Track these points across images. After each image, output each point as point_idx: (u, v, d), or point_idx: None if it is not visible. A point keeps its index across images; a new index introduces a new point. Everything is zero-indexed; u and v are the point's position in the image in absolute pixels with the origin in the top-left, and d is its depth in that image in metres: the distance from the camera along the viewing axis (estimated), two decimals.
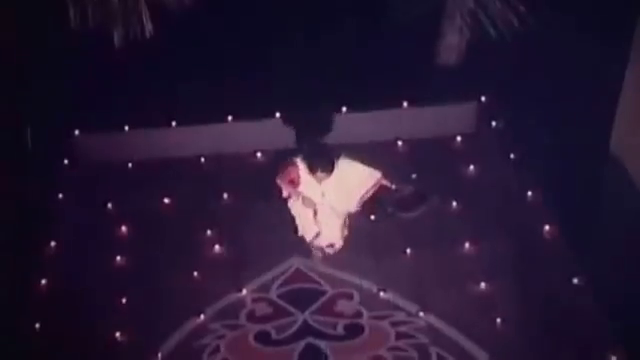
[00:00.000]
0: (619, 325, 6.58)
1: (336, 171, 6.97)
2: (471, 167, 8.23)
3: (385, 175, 7.11)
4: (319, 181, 6.99)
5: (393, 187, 7.23)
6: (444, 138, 8.54)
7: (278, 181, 7.08)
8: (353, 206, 7.17)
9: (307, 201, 7.09)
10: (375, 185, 7.10)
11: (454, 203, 7.82)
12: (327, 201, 7.10)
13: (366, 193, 7.13)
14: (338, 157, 7.02)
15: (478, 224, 7.63)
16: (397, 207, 7.56)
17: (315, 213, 7.13)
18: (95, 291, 7.12)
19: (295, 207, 7.21)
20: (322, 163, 6.92)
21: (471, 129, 8.60)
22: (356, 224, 7.39)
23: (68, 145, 8.35)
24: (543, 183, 7.81)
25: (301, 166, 7.03)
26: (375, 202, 7.31)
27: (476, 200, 7.86)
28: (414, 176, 8.05)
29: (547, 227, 7.46)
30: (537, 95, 8.31)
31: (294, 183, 7.05)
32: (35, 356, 6.64)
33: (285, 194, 7.16)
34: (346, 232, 7.34)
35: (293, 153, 7.13)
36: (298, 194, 7.09)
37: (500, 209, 7.74)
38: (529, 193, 7.81)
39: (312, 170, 6.96)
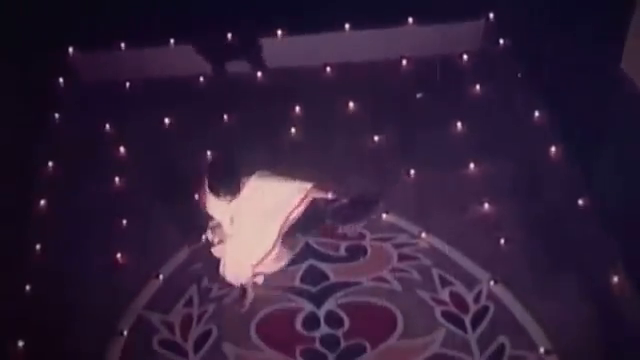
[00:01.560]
0: (622, 246, 6.52)
1: (247, 192, 5.87)
2: (477, 86, 8.06)
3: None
4: (226, 203, 5.87)
5: (329, 196, 6.33)
6: (450, 56, 8.33)
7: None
8: (273, 237, 6.05)
9: (217, 229, 6.07)
10: (302, 202, 6.06)
11: (459, 123, 7.68)
12: (236, 229, 5.99)
13: (290, 215, 6.07)
14: (250, 175, 5.98)
15: (483, 144, 7.52)
16: (335, 219, 6.69)
17: (216, 242, 6.18)
18: (94, 213, 7.07)
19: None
20: (225, 182, 5.81)
21: (478, 47, 8.39)
22: (358, 146, 7.25)
23: (63, 64, 8.17)
24: (550, 103, 7.66)
25: (206, 185, 5.92)
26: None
27: (481, 120, 7.73)
28: (419, 95, 7.92)
29: (553, 148, 7.35)
30: (546, 12, 8.08)
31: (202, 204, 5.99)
32: (35, 277, 6.61)
33: None
34: (263, 272, 6.25)
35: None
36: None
37: (506, 129, 7.61)
38: (536, 113, 7.67)
39: (213, 191, 5.85)
